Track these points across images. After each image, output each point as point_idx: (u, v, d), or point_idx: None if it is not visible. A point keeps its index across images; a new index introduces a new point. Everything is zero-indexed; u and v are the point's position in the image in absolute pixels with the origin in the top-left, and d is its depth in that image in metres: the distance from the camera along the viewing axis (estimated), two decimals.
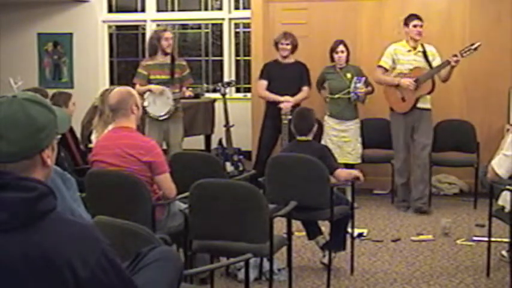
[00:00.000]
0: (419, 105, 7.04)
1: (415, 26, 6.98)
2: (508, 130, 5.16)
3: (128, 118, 4.45)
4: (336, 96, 7.14)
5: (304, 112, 5.42)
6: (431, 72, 6.95)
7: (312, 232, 5.37)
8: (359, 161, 7.25)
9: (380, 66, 7.12)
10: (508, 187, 4.66)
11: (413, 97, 6.98)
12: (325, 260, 5.10)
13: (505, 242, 5.31)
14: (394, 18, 7.82)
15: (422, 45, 7.06)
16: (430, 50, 7.07)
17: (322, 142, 7.11)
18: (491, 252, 5.12)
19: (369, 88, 7.17)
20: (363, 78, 7.06)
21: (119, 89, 4.59)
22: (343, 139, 7.15)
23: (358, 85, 7.02)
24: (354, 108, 7.20)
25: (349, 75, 7.13)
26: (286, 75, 7.35)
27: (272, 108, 7.35)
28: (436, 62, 7.00)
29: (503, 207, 4.82)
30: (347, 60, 7.20)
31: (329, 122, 7.20)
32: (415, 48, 7.04)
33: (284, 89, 7.28)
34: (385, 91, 7.18)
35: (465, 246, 5.84)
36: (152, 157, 4.37)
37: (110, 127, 5.05)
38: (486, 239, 5.18)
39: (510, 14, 7.69)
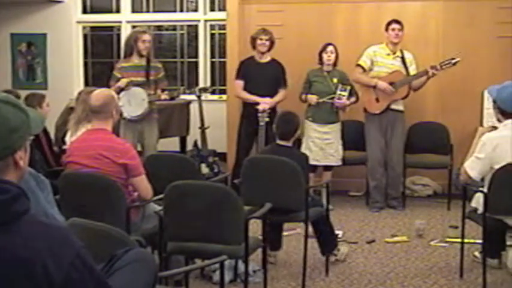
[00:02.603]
0: (393, 106, 7.17)
1: (393, 29, 7.12)
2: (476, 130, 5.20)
3: (107, 121, 4.47)
4: (321, 100, 7.14)
5: (289, 117, 5.36)
6: (408, 79, 7.08)
7: (275, 243, 5.47)
8: (340, 163, 7.29)
9: (358, 65, 7.23)
10: (480, 189, 4.71)
11: (388, 100, 7.10)
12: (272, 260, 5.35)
13: (478, 243, 5.35)
14: (369, 21, 7.88)
15: (401, 51, 7.18)
16: (409, 57, 7.21)
17: (304, 145, 7.14)
18: (465, 254, 5.16)
19: (353, 99, 7.20)
20: (348, 89, 7.10)
21: (102, 92, 4.59)
22: (326, 141, 7.16)
23: (344, 93, 7.06)
24: (335, 113, 7.22)
25: (335, 80, 7.15)
26: (263, 75, 7.31)
27: (249, 109, 7.31)
28: (412, 68, 7.13)
29: (476, 209, 4.86)
30: (335, 63, 7.22)
31: (311, 125, 7.20)
32: (394, 53, 7.16)
33: (261, 88, 7.24)
34: (360, 90, 7.24)
35: (439, 247, 5.88)
36: (128, 159, 4.37)
37: (84, 129, 5.03)
38: (459, 240, 5.22)
39: (483, 17, 7.76)
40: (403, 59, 7.16)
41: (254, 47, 7.38)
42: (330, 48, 7.17)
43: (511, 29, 7.64)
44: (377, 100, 7.14)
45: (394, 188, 7.33)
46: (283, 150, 5.18)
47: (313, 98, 7.10)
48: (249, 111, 7.31)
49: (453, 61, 6.94)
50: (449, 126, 7.50)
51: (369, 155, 7.31)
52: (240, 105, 7.61)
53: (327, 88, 7.13)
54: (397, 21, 7.15)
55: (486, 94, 7.20)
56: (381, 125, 7.20)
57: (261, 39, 7.30)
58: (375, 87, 7.12)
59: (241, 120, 7.49)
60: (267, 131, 6.74)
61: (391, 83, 7.03)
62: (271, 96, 7.25)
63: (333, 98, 7.09)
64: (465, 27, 7.78)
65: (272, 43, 7.34)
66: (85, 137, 4.57)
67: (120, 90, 6.69)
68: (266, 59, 7.40)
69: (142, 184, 4.45)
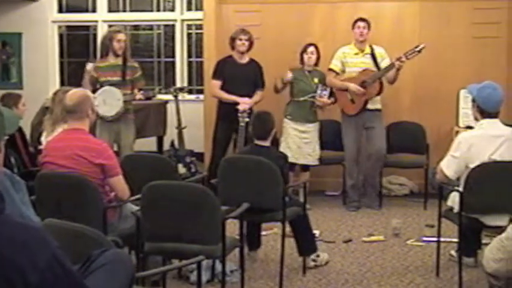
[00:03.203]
0: (369, 106, 7.19)
1: (358, 27, 7.16)
2: (457, 132, 5.25)
3: (82, 121, 4.45)
4: (302, 99, 7.17)
5: (264, 116, 5.38)
6: (377, 75, 7.10)
7: (253, 243, 5.48)
8: (317, 162, 7.32)
9: (331, 70, 7.26)
10: (456, 188, 4.74)
11: (362, 99, 7.13)
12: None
13: (454, 242, 5.39)
14: (346, 21, 7.89)
15: (371, 47, 7.21)
16: (379, 51, 7.22)
17: (283, 144, 7.14)
18: (441, 252, 5.20)
19: (332, 99, 7.23)
20: (329, 89, 7.15)
21: (77, 91, 4.59)
22: (304, 140, 7.18)
23: (324, 93, 7.10)
24: (314, 112, 7.26)
25: (316, 80, 7.19)
26: (242, 75, 7.27)
27: (226, 108, 7.27)
28: (384, 63, 7.15)
29: (451, 208, 4.89)
30: (316, 64, 7.25)
31: (290, 123, 7.22)
32: (362, 51, 7.19)
33: (240, 89, 7.20)
34: (336, 94, 7.27)
35: (415, 246, 5.91)
36: (104, 160, 4.35)
37: (60, 129, 5.00)
38: (436, 239, 5.25)
39: (459, 18, 7.83)
40: (373, 55, 7.18)
41: (233, 47, 7.33)
42: (311, 49, 7.20)
43: (486, 29, 7.74)
44: (352, 101, 7.17)
45: (371, 183, 7.34)
46: (261, 150, 5.18)
47: (288, 74, 7.15)
48: (225, 111, 7.28)
49: (417, 49, 6.91)
50: (426, 125, 7.55)
51: (346, 154, 7.33)
52: (216, 105, 7.57)
53: (309, 87, 7.17)
54: (363, 19, 7.19)
55: (462, 94, 7.26)
56: (357, 125, 7.23)
57: (240, 39, 7.26)
58: (347, 89, 7.15)
59: (217, 121, 7.45)
60: (246, 132, 6.73)
61: (362, 82, 7.06)
62: (250, 96, 7.24)
63: (314, 97, 7.12)
64: (441, 27, 7.84)
65: (251, 43, 7.31)
66: (61, 137, 4.54)
67: (94, 90, 6.66)
68: (245, 59, 7.37)
69: (119, 184, 4.44)
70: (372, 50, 7.20)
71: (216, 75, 7.38)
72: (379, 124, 7.28)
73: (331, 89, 7.20)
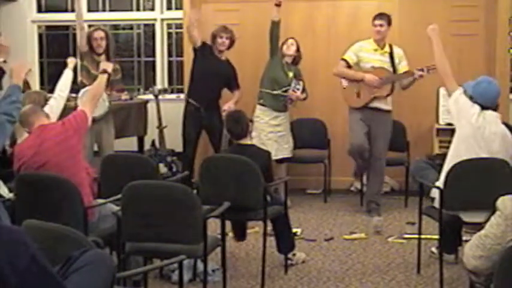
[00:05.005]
0: (375, 104, 6.85)
1: (375, 25, 6.84)
2: (437, 130, 5.28)
3: (47, 117, 4.63)
4: (275, 92, 7.08)
5: (236, 115, 5.40)
6: (392, 78, 6.82)
7: (240, 234, 5.51)
8: (291, 154, 7.29)
9: (344, 60, 6.89)
10: (436, 185, 4.78)
11: (369, 96, 6.81)
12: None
13: (435, 239, 5.41)
14: (326, 19, 7.94)
15: (390, 46, 6.92)
16: (398, 52, 6.92)
17: (255, 140, 7.08)
18: (422, 249, 5.23)
19: (304, 95, 7.17)
20: (301, 84, 7.11)
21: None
22: (278, 133, 7.14)
23: (298, 87, 7.06)
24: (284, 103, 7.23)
25: (291, 75, 7.14)
26: (216, 68, 7.26)
27: (191, 107, 7.39)
28: (402, 65, 6.86)
29: (432, 206, 4.92)
30: (296, 62, 7.21)
31: (263, 118, 7.13)
32: (382, 48, 6.88)
33: (210, 81, 7.23)
34: (342, 83, 7.02)
35: (396, 243, 5.94)
36: (75, 117, 4.61)
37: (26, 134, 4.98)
38: (416, 236, 5.28)
39: (438, 16, 7.85)
40: (391, 54, 6.88)
41: (214, 44, 7.36)
42: (291, 40, 7.19)
43: (465, 27, 7.78)
44: (358, 95, 6.86)
45: (374, 190, 7.04)
46: (244, 148, 5.19)
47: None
48: (191, 110, 7.40)
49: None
50: (406, 123, 7.57)
51: (352, 139, 6.92)
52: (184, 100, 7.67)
53: (283, 80, 7.09)
54: (381, 16, 6.87)
55: (441, 91, 7.29)
56: (363, 119, 6.86)
57: (221, 36, 7.26)
58: (359, 80, 6.81)
59: (184, 120, 7.50)
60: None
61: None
62: (215, 92, 7.35)
63: (286, 91, 7.08)
64: (420, 25, 7.78)
65: (232, 42, 7.30)
66: (33, 137, 4.56)
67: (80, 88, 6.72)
68: (222, 57, 7.37)
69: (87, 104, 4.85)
70: (391, 49, 6.90)
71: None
72: (383, 126, 6.92)
73: (303, 85, 7.16)
